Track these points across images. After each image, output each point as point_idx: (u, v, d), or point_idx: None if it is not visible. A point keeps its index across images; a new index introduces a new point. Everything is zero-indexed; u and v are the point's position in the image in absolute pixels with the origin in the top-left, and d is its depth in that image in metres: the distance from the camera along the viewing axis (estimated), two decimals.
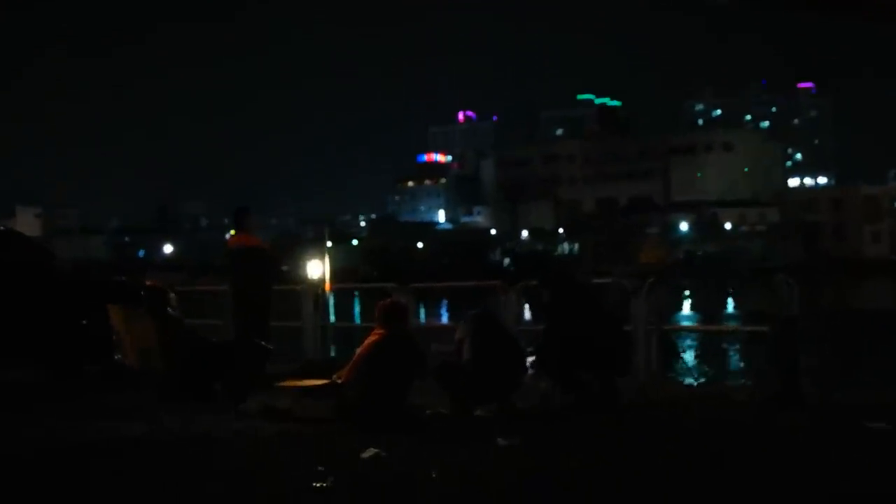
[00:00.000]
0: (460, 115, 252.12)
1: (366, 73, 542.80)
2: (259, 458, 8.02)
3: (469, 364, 10.05)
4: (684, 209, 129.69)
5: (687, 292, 58.40)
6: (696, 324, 41.32)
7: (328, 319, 16.76)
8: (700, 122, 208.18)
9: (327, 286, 15.36)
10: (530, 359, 10.71)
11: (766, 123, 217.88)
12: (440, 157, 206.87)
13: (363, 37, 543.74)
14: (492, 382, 10.00)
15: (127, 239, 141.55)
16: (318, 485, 6.97)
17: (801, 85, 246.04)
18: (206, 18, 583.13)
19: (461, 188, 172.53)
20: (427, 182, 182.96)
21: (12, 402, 11.66)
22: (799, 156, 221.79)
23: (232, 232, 15.71)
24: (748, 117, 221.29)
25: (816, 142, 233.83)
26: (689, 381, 19.53)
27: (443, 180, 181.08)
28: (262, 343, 12.39)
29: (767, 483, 6.98)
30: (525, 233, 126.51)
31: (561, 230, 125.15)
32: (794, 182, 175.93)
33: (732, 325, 41.90)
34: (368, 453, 7.89)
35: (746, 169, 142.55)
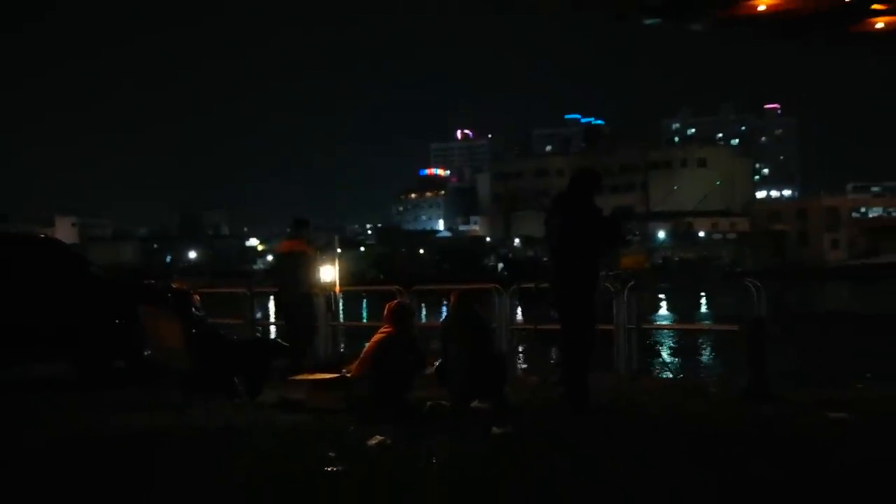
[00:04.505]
0: (458, 134, 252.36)
1: (371, 94, 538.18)
2: (275, 445, 8.02)
3: (456, 361, 10.02)
4: (662, 219, 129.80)
5: (664, 295, 58.33)
6: (672, 323, 41.29)
7: (338, 319, 16.77)
8: (676, 139, 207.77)
9: (337, 289, 15.37)
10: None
11: (736, 141, 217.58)
12: (440, 172, 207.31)
13: (365, 62, 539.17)
14: (478, 378, 9.96)
15: (155, 245, 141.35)
16: (329, 469, 6.98)
17: (768, 106, 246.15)
18: (214, 51, 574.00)
19: (459, 199, 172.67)
20: (428, 194, 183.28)
21: (48, 396, 11.69)
22: (766, 170, 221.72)
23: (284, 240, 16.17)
24: (720, 135, 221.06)
25: (782, 157, 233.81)
26: (666, 375, 19.50)
27: (442, 192, 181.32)
28: (278, 340, 12.42)
29: (740, 467, 6.98)
30: (517, 240, 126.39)
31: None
32: (761, 194, 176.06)
33: (706, 324, 41.86)
34: (375, 441, 7.90)
35: (719, 182, 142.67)
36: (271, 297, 25.97)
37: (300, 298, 14.27)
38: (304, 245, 14.49)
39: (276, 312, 15.02)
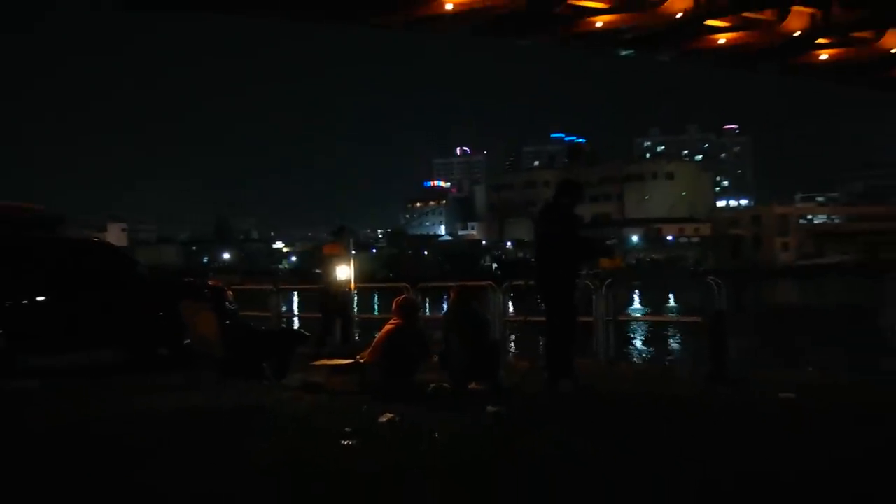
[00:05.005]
0: (458, 150, 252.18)
1: (371, 94, 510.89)
2: (298, 422, 8.01)
3: (456, 349, 9.99)
4: (635, 224, 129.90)
5: (637, 291, 58.33)
6: (644, 315, 41.25)
7: (353, 312, 16.76)
8: (648, 155, 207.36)
9: (352, 286, 15.38)
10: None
11: (699, 157, 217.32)
12: (442, 183, 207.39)
13: (365, 61, 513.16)
14: (475, 363, 9.94)
15: (194, 248, 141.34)
16: (345, 443, 6.97)
17: (727, 126, 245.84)
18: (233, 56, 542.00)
19: (458, 208, 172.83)
20: (431, 203, 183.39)
21: (102, 378, 11.68)
22: (726, 182, 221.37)
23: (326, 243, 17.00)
24: (686, 152, 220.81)
25: (739, 171, 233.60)
26: (639, 361, 19.48)
27: (444, 202, 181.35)
28: (301, 330, 12.42)
29: (703, 437, 6.98)
30: (509, 243, 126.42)
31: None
32: (721, 203, 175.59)
33: (673, 316, 41.80)
34: (385, 418, 7.89)
35: (684, 193, 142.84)
36: (295, 293, 26.03)
37: (339, 293, 14.71)
38: (341, 248, 14.88)
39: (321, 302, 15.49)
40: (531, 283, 10.39)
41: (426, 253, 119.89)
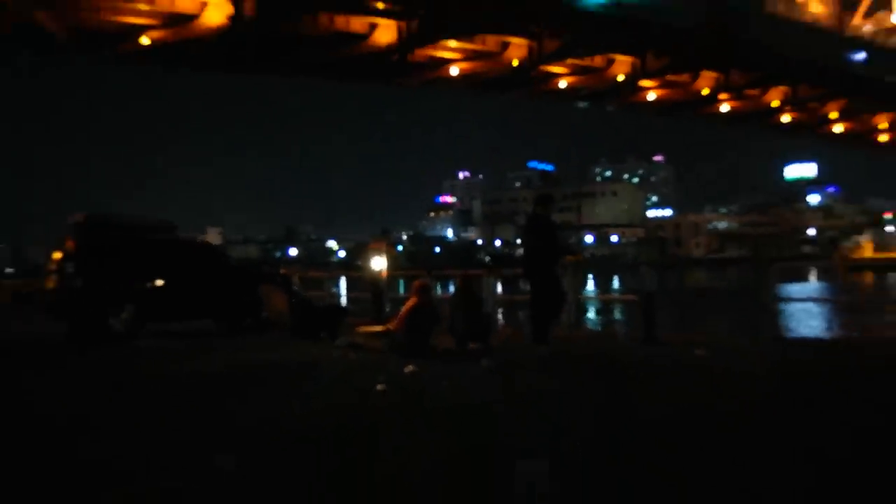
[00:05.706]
0: (460, 174, 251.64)
1: (401, 145, 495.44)
2: (346, 372, 8.03)
3: (460, 319, 9.97)
4: (590, 229, 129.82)
5: (591, 277, 58.30)
6: (596, 295, 41.20)
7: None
8: (599, 178, 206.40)
9: (384, 273, 15.41)
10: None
11: (636, 179, 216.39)
12: (449, 199, 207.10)
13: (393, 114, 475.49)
14: (473, 330, 9.93)
15: (269, 246, 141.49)
16: (379, 387, 6.99)
17: (656, 158, 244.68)
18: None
19: (461, 217, 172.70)
20: (442, 213, 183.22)
21: (202, 341, 11.72)
22: (655, 198, 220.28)
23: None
24: (626, 176, 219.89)
25: (664, 190, 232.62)
26: (592, 328, 19.39)
27: (450, 212, 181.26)
28: (347, 306, 12.43)
29: (636, 381, 6.98)
30: (498, 242, 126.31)
31: (518, 241, 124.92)
32: (651, 213, 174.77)
33: (616, 295, 41.71)
34: (408, 370, 7.91)
35: (626, 206, 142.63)
36: (342, 278, 26.02)
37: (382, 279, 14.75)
38: (386, 244, 14.96)
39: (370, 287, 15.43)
40: (519, 271, 10.40)
41: (437, 249, 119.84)
